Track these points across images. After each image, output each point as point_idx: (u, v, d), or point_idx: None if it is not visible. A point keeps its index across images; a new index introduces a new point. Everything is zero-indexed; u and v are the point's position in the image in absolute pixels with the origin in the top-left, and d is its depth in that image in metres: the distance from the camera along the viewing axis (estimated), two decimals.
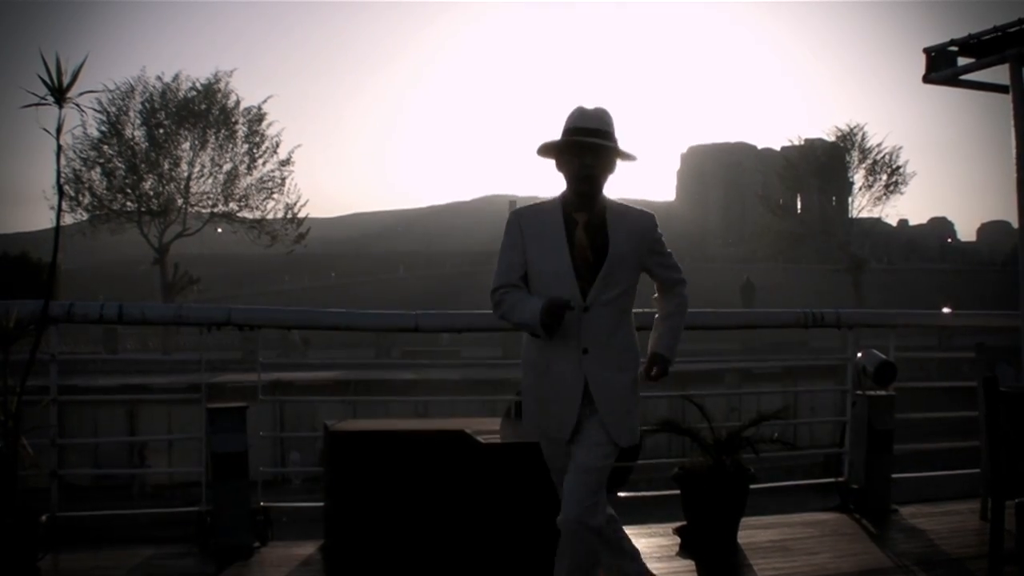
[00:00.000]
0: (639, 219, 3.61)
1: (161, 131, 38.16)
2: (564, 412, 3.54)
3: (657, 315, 3.82)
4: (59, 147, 4.57)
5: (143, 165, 37.88)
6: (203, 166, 39.14)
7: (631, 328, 3.66)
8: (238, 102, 39.45)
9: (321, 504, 5.28)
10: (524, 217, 3.62)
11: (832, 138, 51.84)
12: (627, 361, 3.62)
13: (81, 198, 37.32)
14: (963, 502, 6.13)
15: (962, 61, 5.65)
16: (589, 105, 3.59)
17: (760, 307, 29.30)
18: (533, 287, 3.56)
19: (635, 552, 3.97)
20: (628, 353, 3.64)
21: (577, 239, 3.52)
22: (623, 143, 3.57)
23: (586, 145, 3.49)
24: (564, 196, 3.59)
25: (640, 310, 3.77)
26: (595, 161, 3.50)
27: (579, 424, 3.55)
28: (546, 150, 3.61)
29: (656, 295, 3.83)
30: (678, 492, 5.45)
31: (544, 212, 3.60)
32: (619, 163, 3.60)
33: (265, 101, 40.37)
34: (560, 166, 3.59)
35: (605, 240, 3.52)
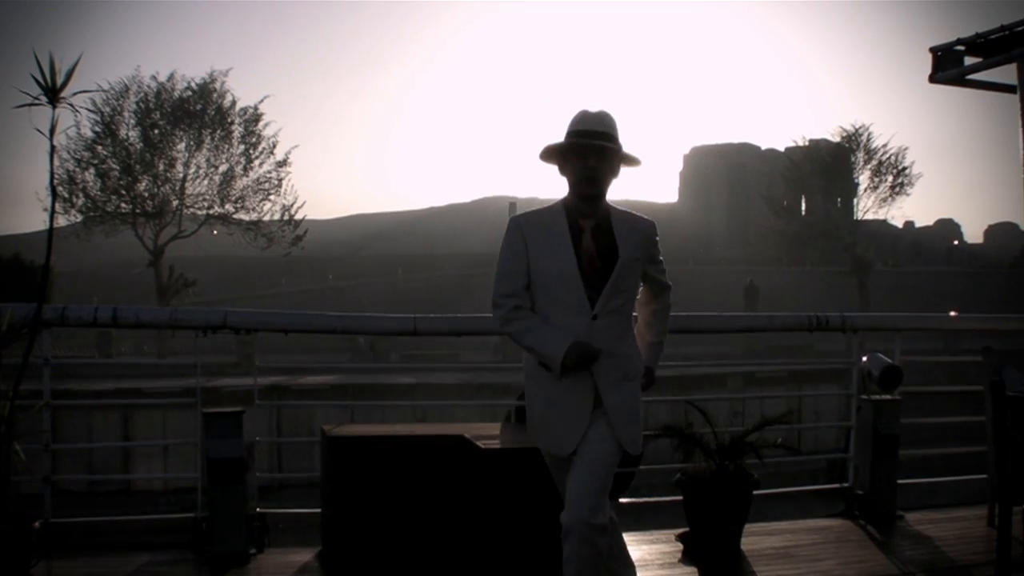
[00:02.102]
0: (643, 225, 3.58)
1: (156, 132, 37.95)
2: (572, 422, 3.48)
3: (640, 320, 3.80)
4: (52, 148, 4.52)
5: (138, 166, 37.68)
6: (199, 167, 38.96)
7: (634, 335, 3.64)
8: (234, 102, 39.22)
9: (319, 510, 5.22)
10: (527, 224, 3.55)
11: (837, 139, 51.50)
12: (633, 369, 3.58)
13: (75, 199, 37.07)
14: (970, 508, 6.09)
15: (969, 61, 5.62)
16: (593, 108, 3.54)
17: (764, 310, 29.26)
18: (538, 295, 3.50)
19: (632, 564, 3.90)
20: (633, 361, 3.60)
21: (585, 245, 3.46)
22: (626, 146, 3.54)
23: (590, 147, 3.44)
24: (566, 201, 3.54)
25: None
26: (599, 164, 3.45)
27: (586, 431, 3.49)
28: (549, 154, 3.56)
29: (640, 298, 3.76)
30: (680, 498, 5.40)
31: (547, 218, 3.54)
32: (623, 169, 3.57)
33: (262, 101, 40.22)
34: (563, 170, 3.54)
35: (612, 246, 3.47)
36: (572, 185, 3.52)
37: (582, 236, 3.48)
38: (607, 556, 3.60)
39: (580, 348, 3.37)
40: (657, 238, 3.63)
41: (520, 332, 3.48)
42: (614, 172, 3.53)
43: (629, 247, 3.49)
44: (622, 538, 3.92)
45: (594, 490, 3.45)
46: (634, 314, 3.74)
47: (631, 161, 3.56)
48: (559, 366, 3.37)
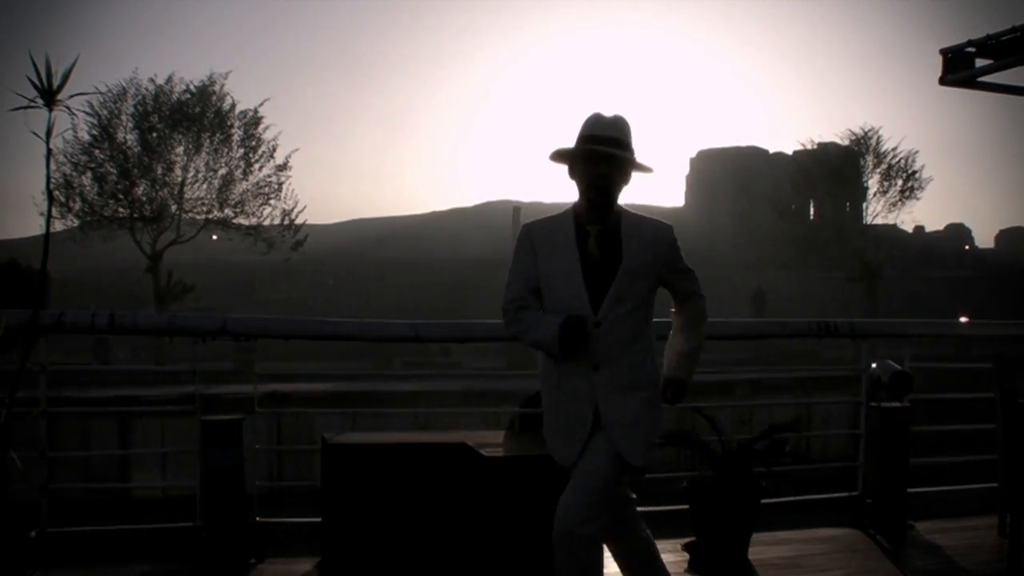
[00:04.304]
0: (655, 229, 3.52)
1: (154, 135, 37.93)
2: (572, 432, 3.46)
3: (672, 330, 3.73)
4: (49, 151, 4.47)
5: (135, 170, 37.65)
6: (197, 171, 38.96)
7: (648, 344, 3.55)
8: (233, 105, 39.24)
9: (319, 520, 5.15)
10: (535, 230, 3.54)
11: (846, 142, 51.42)
12: (641, 378, 3.51)
13: (72, 204, 37.03)
14: (981, 517, 6.02)
15: (980, 62, 5.56)
16: (607, 112, 3.50)
17: (772, 316, 29.29)
18: (545, 301, 3.48)
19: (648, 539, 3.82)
20: (643, 370, 3.52)
21: (589, 251, 3.43)
22: (636, 151, 3.48)
23: (601, 154, 3.39)
24: (576, 207, 3.51)
25: (662, 319, 3.66)
26: (609, 170, 3.41)
27: (588, 440, 3.45)
28: (560, 157, 3.52)
29: (673, 309, 3.73)
30: (687, 507, 5.33)
31: (556, 224, 3.52)
32: (635, 174, 3.52)
33: (261, 104, 40.19)
34: (573, 174, 3.50)
35: (618, 250, 3.43)
36: (581, 190, 3.48)
37: (588, 241, 3.44)
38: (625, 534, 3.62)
39: (571, 322, 3.32)
40: (676, 242, 3.56)
41: (522, 331, 3.49)
42: (625, 179, 3.49)
43: (635, 252, 3.44)
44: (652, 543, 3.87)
45: (584, 502, 3.36)
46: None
47: (643, 169, 3.52)
48: (557, 348, 3.34)
